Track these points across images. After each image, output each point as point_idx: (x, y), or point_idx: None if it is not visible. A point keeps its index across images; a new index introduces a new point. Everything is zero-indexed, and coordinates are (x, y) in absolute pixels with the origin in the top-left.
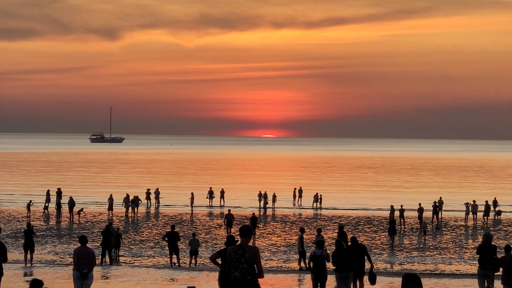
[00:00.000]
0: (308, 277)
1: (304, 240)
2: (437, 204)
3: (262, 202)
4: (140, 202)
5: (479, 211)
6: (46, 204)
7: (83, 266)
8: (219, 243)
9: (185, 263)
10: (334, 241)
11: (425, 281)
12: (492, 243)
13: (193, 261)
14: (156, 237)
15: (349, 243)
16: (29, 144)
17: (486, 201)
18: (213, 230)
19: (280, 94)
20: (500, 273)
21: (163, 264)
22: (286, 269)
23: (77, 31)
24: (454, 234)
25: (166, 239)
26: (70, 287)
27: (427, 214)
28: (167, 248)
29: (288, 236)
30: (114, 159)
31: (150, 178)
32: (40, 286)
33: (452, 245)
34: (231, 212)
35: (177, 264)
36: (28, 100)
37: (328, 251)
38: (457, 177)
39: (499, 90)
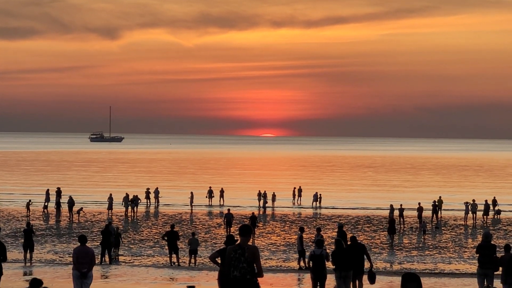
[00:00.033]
0: (307, 277)
1: (304, 239)
2: (436, 203)
3: (261, 202)
4: (139, 201)
5: (479, 211)
6: (46, 204)
7: (82, 265)
8: (218, 243)
9: (184, 262)
10: (333, 240)
11: (424, 281)
12: (492, 242)
13: (192, 260)
14: (156, 237)
15: (348, 243)
16: (29, 143)
17: (486, 201)
18: (213, 230)
19: (280, 93)
20: (499, 272)
21: (162, 263)
22: (285, 268)
23: (77, 30)
24: (453, 233)
25: (166, 238)
26: (69, 286)
27: (427, 213)
28: (166, 247)
29: (288, 235)
30: (113, 159)
31: (150, 177)
32: (39, 286)
33: (451, 244)
34: (230, 212)
35: (176, 264)
36: (28, 99)
37: (327, 251)
38: (456, 177)
39: (499, 89)
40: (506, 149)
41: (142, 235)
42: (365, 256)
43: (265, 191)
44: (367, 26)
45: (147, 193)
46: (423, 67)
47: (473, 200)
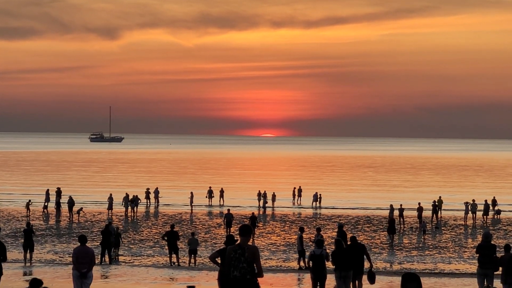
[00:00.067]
0: (307, 277)
1: (304, 239)
2: (436, 203)
3: (261, 202)
4: (139, 201)
5: (479, 210)
6: (46, 204)
7: (82, 265)
8: (218, 243)
9: (184, 262)
10: (333, 240)
11: (424, 280)
12: (492, 242)
13: (192, 260)
14: (156, 237)
15: (348, 243)
16: (29, 143)
17: (485, 200)
18: (213, 230)
19: (280, 93)
20: (499, 272)
21: (162, 263)
22: (285, 268)
23: (77, 30)
24: (453, 233)
25: (166, 238)
26: (69, 286)
27: (427, 213)
28: (166, 247)
29: (288, 235)
30: (113, 159)
31: (150, 177)
32: (39, 286)
33: (451, 244)
34: (230, 212)
35: (176, 264)
36: (28, 99)
37: (327, 251)
38: (456, 177)
39: (499, 89)
40: (506, 149)
41: (142, 235)
42: (365, 256)
43: (265, 191)
44: (367, 26)
45: (147, 193)
46: (423, 67)
47: (473, 200)
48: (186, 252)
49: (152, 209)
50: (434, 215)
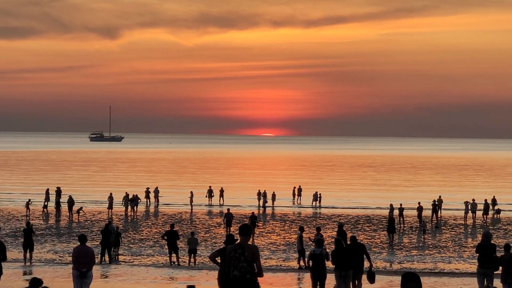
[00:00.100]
0: (307, 276)
1: (304, 238)
2: (436, 202)
3: (261, 201)
4: (139, 201)
5: (479, 210)
6: (46, 203)
7: (82, 265)
8: (218, 242)
9: (184, 262)
10: (333, 240)
11: (424, 280)
12: (492, 241)
13: (192, 259)
14: (156, 236)
15: (348, 242)
16: (29, 143)
17: (485, 200)
18: (213, 229)
19: (280, 92)
20: (499, 271)
21: (162, 263)
22: (285, 268)
23: (77, 29)
24: (453, 232)
25: (166, 238)
26: (69, 286)
27: (427, 212)
28: (166, 247)
29: (288, 235)
30: (113, 158)
31: (150, 177)
32: (39, 285)
33: (451, 243)
34: (230, 211)
35: (176, 263)
36: (28, 99)
37: (327, 250)
38: (456, 176)
39: (499, 89)
40: (506, 149)
41: (142, 234)
42: (364, 256)
43: (265, 191)
44: (367, 25)
45: (147, 192)
46: (423, 67)
47: (473, 200)
48: (186, 252)
49: (152, 209)
50: (434, 215)
